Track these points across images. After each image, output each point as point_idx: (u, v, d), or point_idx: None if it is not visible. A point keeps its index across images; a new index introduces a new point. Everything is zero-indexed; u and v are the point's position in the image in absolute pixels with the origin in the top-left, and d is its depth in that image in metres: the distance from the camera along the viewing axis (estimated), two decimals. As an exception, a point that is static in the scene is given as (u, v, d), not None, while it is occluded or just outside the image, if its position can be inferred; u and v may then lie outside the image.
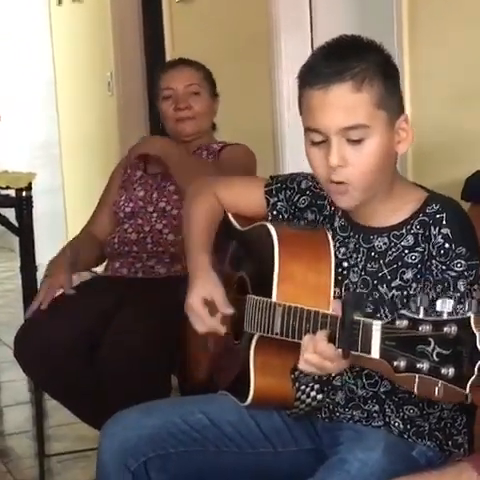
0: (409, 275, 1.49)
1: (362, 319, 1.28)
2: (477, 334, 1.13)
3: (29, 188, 3.17)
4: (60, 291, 2.44)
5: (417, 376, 1.18)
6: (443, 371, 1.15)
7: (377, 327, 1.26)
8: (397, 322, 1.22)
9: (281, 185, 1.69)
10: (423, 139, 2.63)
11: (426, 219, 1.50)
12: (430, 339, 1.17)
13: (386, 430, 1.54)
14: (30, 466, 2.83)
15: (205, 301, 1.65)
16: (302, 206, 1.66)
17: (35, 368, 2.43)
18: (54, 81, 6.09)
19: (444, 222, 1.48)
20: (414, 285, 1.49)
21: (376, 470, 1.44)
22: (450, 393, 1.16)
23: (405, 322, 1.21)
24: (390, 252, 1.52)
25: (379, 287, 1.52)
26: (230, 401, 1.66)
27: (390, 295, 1.50)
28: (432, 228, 1.48)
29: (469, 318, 1.14)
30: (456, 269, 1.44)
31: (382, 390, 1.55)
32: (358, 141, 1.45)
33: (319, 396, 1.57)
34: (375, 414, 1.55)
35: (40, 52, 6.09)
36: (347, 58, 1.44)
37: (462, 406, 1.57)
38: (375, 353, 1.26)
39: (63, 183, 6.16)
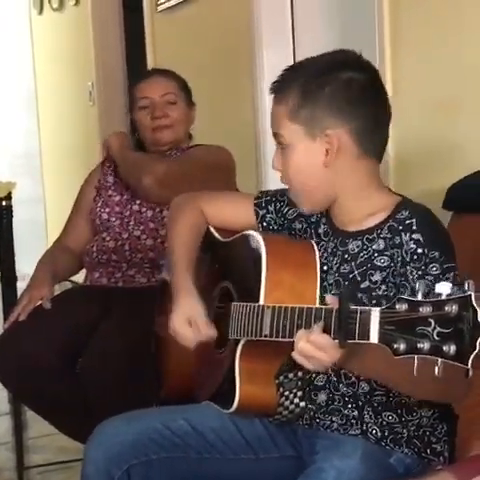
0: (377, 277, 1.52)
1: (359, 308, 1.29)
2: (479, 310, 1.15)
3: (9, 197, 3.15)
4: (40, 302, 2.42)
5: (416, 357, 1.19)
6: (445, 348, 1.16)
7: (376, 313, 1.26)
8: (397, 306, 1.23)
9: (271, 198, 1.73)
10: (405, 149, 2.64)
11: (395, 225, 1.52)
12: (430, 320, 1.18)
13: (364, 438, 1.54)
14: (9, 478, 2.79)
15: (188, 322, 1.65)
16: (291, 217, 1.70)
17: (13, 383, 2.41)
18: (35, 90, 6.06)
19: (414, 227, 1.50)
20: (383, 287, 1.51)
21: (353, 478, 1.43)
22: (451, 371, 1.17)
23: (405, 305, 1.22)
24: (361, 254, 1.55)
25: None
26: (212, 408, 1.66)
27: (359, 296, 1.52)
28: (403, 234, 1.50)
29: (470, 295, 1.16)
30: (432, 273, 1.46)
31: (360, 391, 1.55)
32: (283, 148, 1.58)
33: (302, 403, 1.57)
34: (353, 420, 1.55)
35: (21, 61, 6.07)
36: (288, 75, 1.58)
37: (443, 414, 1.58)
38: (374, 338, 1.26)
39: (44, 192, 6.12)
